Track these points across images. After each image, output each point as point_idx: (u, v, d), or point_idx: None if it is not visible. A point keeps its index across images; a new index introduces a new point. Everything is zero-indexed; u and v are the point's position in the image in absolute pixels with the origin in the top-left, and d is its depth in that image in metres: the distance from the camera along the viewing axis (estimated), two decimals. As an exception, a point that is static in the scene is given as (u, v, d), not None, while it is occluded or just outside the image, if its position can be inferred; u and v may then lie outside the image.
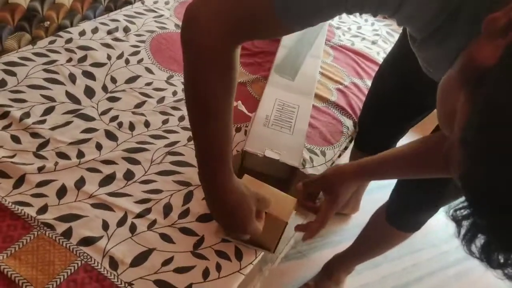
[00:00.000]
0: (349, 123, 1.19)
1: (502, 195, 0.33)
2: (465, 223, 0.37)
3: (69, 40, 1.14)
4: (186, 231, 0.82)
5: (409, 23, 0.51)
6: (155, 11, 1.35)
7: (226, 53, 0.58)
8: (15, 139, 0.88)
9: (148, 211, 0.83)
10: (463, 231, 0.37)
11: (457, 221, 0.37)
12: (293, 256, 1.43)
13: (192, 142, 0.98)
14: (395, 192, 1.07)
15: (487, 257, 0.36)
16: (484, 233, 0.36)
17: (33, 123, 0.92)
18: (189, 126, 1.01)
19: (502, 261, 0.35)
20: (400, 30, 1.71)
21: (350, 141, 1.21)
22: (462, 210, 0.37)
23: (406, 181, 1.01)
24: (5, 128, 0.90)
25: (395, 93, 1.07)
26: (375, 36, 1.63)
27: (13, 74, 1.01)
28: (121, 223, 0.80)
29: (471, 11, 0.44)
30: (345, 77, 1.34)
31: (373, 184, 1.62)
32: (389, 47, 1.57)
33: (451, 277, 1.55)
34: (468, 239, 0.37)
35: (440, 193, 0.94)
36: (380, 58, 1.49)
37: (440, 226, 1.70)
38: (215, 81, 0.60)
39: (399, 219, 1.07)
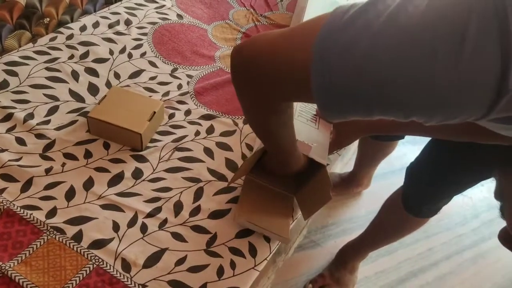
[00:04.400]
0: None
1: None
2: None
3: (70, 36, 1.11)
4: (198, 229, 0.80)
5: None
6: (156, 2, 1.31)
7: (278, 106, 0.57)
8: (20, 141, 0.87)
9: (158, 210, 0.81)
10: None
11: None
12: (306, 246, 1.42)
13: (199, 136, 0.96)
14: (410, 178, 1.03)
15: None
16: None
17: (38, 124, 0.90)
18: (195, 120, 0.99)
19: None
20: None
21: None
22: None
23: (422, 167, 0.98)
24: (9, 130, 0.88)
25: None
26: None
27: (14, 74, 0.99)
28: (131, 223, 0.78)
29: None
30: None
31: (385, 168, 1.60)
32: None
33: (468, 260, 1.53)
34: None
35: (458, 180, 0.91)
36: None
37: (455, 209, 1.68)
38: (271, 122, 0.61)
39: (416, 206, 1.04)
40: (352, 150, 1.46)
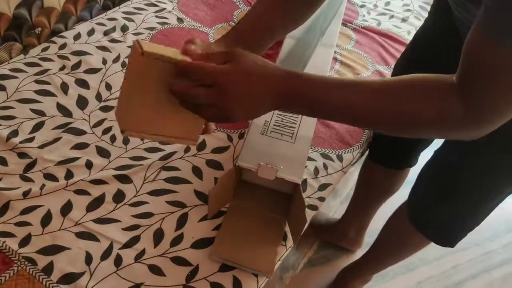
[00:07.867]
0: (371, 119, 1.05)
1: None
2: None
3: (63, 46, 1.07)
4: (178, 260, 0.74)
5: None
6: (157, 5, 1.25)
7: None
8: (2, 161, 0.83)
9: (136, 239, 0.75)
10: None
11: None
12: (316, 261, 1.34)
13: (188, 153, 0.89)
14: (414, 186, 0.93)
15: None
16: None
17: (21, 142, 0.86)
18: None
19: None
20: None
21: (373, 140, 1.08)
22: None
23: (429, 180, 0.88)
24: (-10, 150, 0.85)
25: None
26: (405, 12, 1.45)
27: (3, 88, 0.95)
28: (105, 255, 0.73)
29: None
30: (368, 65, 1.20)
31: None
32: (421, 24, 1.39)
33: (497, 280, 1.40)
34: None
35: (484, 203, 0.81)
36: (410, 38, 1.32)
37: (485, 222, 1.53)
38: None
39: (421, 218, 0.93)
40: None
